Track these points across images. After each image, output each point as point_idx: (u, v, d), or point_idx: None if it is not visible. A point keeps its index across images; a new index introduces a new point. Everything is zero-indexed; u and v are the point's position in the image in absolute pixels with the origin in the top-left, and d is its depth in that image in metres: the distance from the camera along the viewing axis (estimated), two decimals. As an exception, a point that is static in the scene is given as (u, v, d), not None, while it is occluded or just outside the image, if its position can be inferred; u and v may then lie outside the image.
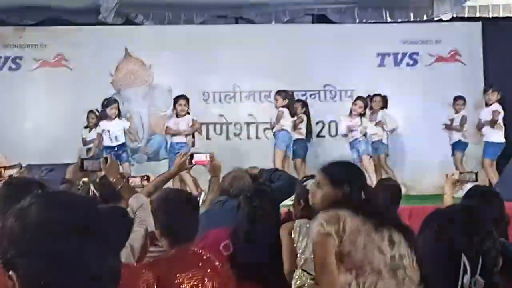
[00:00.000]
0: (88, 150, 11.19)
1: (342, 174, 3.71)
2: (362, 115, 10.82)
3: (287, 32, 12.62)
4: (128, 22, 12.50)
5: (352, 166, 3.88)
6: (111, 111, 10.86)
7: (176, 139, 10.86)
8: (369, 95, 11.25)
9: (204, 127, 11.86)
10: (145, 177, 5.76)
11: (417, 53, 12.65)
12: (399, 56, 12.67)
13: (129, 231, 1.75)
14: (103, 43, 12.37)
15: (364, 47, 12.40)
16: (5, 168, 5.80)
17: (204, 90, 12.34)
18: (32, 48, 12.32)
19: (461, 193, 5.21)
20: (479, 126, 11.02)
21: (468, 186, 5.89)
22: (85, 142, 11.38)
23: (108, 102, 11.00)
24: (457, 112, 11.41)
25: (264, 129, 12.10)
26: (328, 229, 3.39)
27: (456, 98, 11.44)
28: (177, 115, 10.88)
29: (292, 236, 4.76)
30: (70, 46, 12.28)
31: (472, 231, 2.20)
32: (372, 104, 11.25)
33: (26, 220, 1.53)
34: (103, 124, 10.87)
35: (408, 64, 12.69)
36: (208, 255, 3.71)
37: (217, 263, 3.66)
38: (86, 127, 11.50)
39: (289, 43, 12.37)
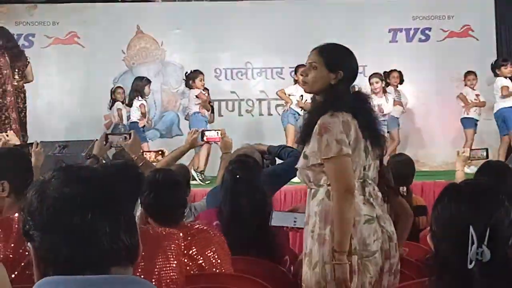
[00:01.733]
0: (115, 126, 11.20)
1: (339, 58, 3.60)
2: (385, 92, 10.90)
3: (299, 8, 12.54)
4: (140, -1, 12.53)
5: (349, 51, 3.66)
6: (148, 89, 11.00)
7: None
8: (385, 71, 11.20)
9: (216, 104, 11.85)
10: (160, 152, 5.80)
11: (429, 29, 12.58)
12: (411, 32, 12.59)
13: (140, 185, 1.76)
14: (115, 20, 12.38)
15: (376, 22, 12.34)
16: (20, 146, 5.78)
17: (216, 67, 12.32)
18: (45, 26, 12.32)
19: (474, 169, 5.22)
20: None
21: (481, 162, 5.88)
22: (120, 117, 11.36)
23: (146, 80, 11.11)
24: (467, 87, 11.32)
25: (276, 106, 12.09)
26: (346, 149, 3.33)
27: (467, 74, 11.35)
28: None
29: None
30: (82, 23, 12.29)
31: (480, 204, 2.22)
32: (390, 80, 11.23)
33: (44, 194, 1.55)
34: (141, 100, 10.95)
35: (420, 40, 12.61)
36: (202, 226, 3.73)
37: (213, 234, 3.67)
38: (113, 104, 11.40)
39: (301, 19, 12.32)
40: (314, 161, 3.42)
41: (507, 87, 10.64)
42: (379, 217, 3.46)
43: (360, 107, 3.52)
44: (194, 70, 10.80)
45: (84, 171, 1.63)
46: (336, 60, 3.56)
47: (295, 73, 10.80)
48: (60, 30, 12.35)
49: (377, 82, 10.84)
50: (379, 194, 3.55)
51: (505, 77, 10.70)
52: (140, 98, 10.88)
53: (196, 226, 3.73)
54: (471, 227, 2.12)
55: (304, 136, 3.54)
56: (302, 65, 10.53)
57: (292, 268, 4.40)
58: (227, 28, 12.31)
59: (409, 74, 11.64)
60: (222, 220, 4.22)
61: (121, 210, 1.60)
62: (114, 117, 11.33)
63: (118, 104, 11.26)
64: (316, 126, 3.40)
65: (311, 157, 3.43)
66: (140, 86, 10.94)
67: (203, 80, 10.71)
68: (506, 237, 2.20)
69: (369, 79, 10.87)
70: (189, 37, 12.47)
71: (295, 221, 4.13)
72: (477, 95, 11.16)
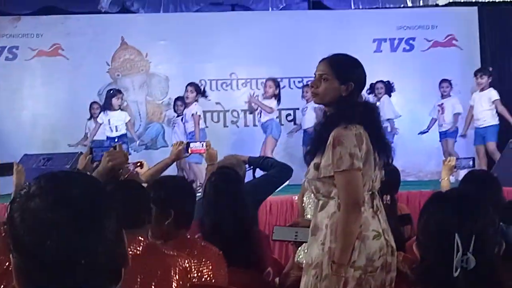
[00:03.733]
0: (93, 141, 11.18)
1: (350, 69, 3.57)
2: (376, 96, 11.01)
3: (284, 19, 12.59)
4: (124, 10, 12.50)
5: (358, 62, 3.64)
6: (116, 101, 10.89)
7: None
8: (371, 83, 11.19)
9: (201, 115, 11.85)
10: (138, 164, 5.74)
11: (413, 38, 12.63)
12: (396, 42, 12.64)
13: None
14: (99, 32, 12.35)
15: (361, 33, 12.37)
16: (2, 165, 5.72)
17: (201, 78, 12.30)
18: (28, 38, 12.29)
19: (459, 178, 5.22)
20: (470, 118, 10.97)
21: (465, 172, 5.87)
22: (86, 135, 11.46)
23: (114, 92, 11.03)
24: (443, 96, 11.32)
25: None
26: (358, 163, 3.32)
27: (442, 82, 11.35)
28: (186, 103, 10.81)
29: (304, 199, 4.83)
30: (66, 35, 12.27)
31: (465, 212, 2.22)
32: (374, 91, 11.25)
33: (27, 215, 1.50)
34: (105, 113, 10.90)
35: (404, 50, 12.67)
36: (203, 243, 3.71)
37: (212, 250, 3.64)
38: (89, 119, 11.51)
39: (286, 29, 12.34)
40: (326, 173, 3.41)
41: (472, 108, 10.74)
42: (384, 230, 3.45)
43: (370, 118, 3.52)
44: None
45: (74, 192, 1.55)
46: (347, 72, 3.54)
47: (265, 86, 10.80)
48: (44, 42, 12.31)
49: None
50: (382, 205, 3.56)
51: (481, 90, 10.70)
52: (104, 112, 10.93)
53: (194, 241, 3.70)
54: (456, 235, 2.13)
55: (315, 147, 3.54)
56: (272, 79, 10.63)
57: (277, 279, 4.38)
58: (212, 39, 12.30)
59: (394, 84, 11.67)
60: (204, 232, 4.17)
61: (108, 233, 1.56)
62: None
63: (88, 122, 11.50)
64: (330, 138, 3.39)
65: (324, 169, 3.42)
66: (107, 99, 10.98)
67: (190, 92, 10.65)
68: (491, 245, 2.21)
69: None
70: (174, 48, 12.47)
71: (296, 235, 4.12)
72: (440, 105, 11.25)
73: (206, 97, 10.91)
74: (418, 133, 11.51)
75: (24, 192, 1.55)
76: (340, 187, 3.37)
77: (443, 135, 11.25)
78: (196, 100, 10.67)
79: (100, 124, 10.89)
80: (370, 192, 3.44)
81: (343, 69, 3.54)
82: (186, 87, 10.67)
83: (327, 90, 3.51)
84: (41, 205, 1.50)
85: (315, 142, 3.57)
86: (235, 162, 5.30)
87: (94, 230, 1.53)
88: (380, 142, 3.53)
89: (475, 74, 10.71)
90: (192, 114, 10.57)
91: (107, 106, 10.89)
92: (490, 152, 10.36)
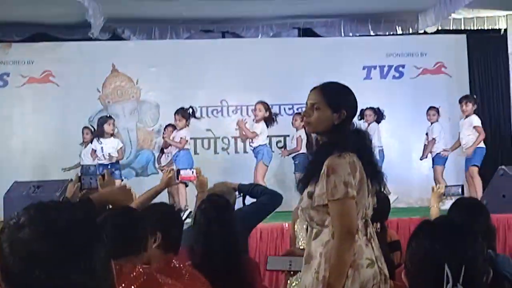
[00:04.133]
0: (82, 166, 11.12)
1: (341, 97, 3.56)
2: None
3: (274, 46, 12.66)
4: (115, 37, 12.53)
5: (348, 89, 3.63)
6: (109, 127, 10.87)
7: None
8: (362, 109, 11.20)
9: (192, 142, 11.83)
10: None
11: (403, 66, 12.70)
12: (385, 69, 12.70)
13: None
14: (90, 58, 12.37)
15: (350, 60, 12.44)
16: None
17: (191, 105, 12.32)
18: (19, 64, 12.30)
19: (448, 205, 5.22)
20: (458, 144, 11.03)
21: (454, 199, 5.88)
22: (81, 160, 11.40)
23: (104, 118, 11.01)
24: (431, 123, 11.38)
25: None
26: (352, 192, 3.31)
27: (429, 109, 11.40)
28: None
29: (296, 225, 4.84)
30: (57, 62, 12.28)
31: (455, 241, 2.22)
32: (364, 118, 11.25)
33: (16, 245, 1.51)
34: (99, 141, 10.86)
35: (394, 77, 12.73)
36: (191, 271, 3.70)
37: (200, 279, 3.63)
38: (81, 144, 11.44)
39: (276, 56, 12.40)
40: (320, 201, 3.40)
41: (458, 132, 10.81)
42: (377, 258, 3.44)
43: (362, 146, 3.53)
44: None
45: (62, 220, 1.56)
46: (339, 100, 3.53)
47: (254, 110, 10.83)
48: (35, 69, 12.32)
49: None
50: (374, 233, 3.56)
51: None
52: (98, 140, 10.88)
53: (182, 269, 3.69)
54: (446, 265, 2.13)
55: (309, 176, 3.53)
56: (261, 102, 10.64)
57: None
58: (202, 66, 12.33)
59: (384, 111, 11.71)
60: (194, 260, 4.13)
61: (96, 264, 1.56)
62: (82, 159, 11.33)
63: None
64: (324, 167, 3.38)
65: (318, 198, 3.41)
66: (99, 126, 10.96)
67: (178, 121, 10.68)
68: (480, 274, 2.21)
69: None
70: (164, 75, 12.48)
71: (290, 265, 4.11)
72: (427, 133, 11.33)
73: (196, 118, 10.96)
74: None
75: (14, 222, 1.55)
76: (334, 216, 3.37)
77: (432, 162, 11.30)
78: (187, 125, 10.70)
79: (96, 151, 10.84)
80: (364, 220, 3.44)
81: (335, 98, 3.54)
82: (174, 115, 10.69)
83: (319, 119, 3.51)
84: (30, 236, 1.51)
85: (309, 171, 3.57)
86: (225, 189, 5.29)
87: (82, 260, 1.53)
88: (373, 169, 3.53)
89: (460, 101, 10.78)
90: (180, 138, 10.59)
91: (100, 133, 10.85)
92: (470, 176, 10.41)
